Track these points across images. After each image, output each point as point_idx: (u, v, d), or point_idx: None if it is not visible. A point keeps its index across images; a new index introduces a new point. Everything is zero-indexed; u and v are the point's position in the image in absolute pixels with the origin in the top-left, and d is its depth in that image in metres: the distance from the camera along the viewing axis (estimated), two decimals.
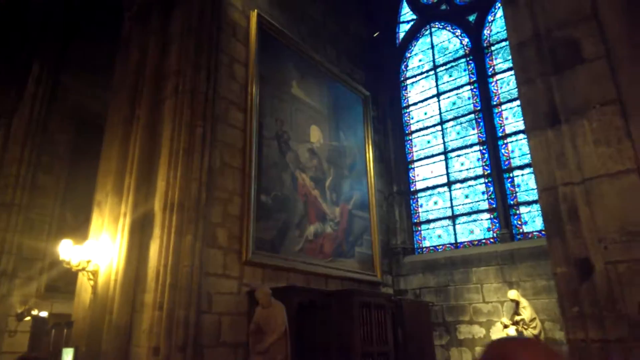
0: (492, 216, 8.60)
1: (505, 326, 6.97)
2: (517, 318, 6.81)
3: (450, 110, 9.86)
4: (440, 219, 9.36)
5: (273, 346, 4.80)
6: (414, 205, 9.85)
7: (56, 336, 9.56)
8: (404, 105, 10.67)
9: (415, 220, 9.72)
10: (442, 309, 8.48)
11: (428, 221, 9.54)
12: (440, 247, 9.15)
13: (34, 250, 9.30)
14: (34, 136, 9.60)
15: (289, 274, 6.76)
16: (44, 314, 8.97)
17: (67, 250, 5.25)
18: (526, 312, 6.75)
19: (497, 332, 7.60)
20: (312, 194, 7.66)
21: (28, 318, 8.98)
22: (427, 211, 9.62)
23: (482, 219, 8.77)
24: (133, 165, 5.62)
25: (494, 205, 8.57)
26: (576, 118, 2.67)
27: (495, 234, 8.44)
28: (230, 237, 6.04)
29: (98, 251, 5.36)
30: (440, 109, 10.03)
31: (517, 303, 6.94)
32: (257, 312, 5.05)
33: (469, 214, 8.97)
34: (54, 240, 8.54)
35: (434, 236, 9.38)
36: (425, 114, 10.27)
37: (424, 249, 9.40)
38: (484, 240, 8.58)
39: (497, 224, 8.43)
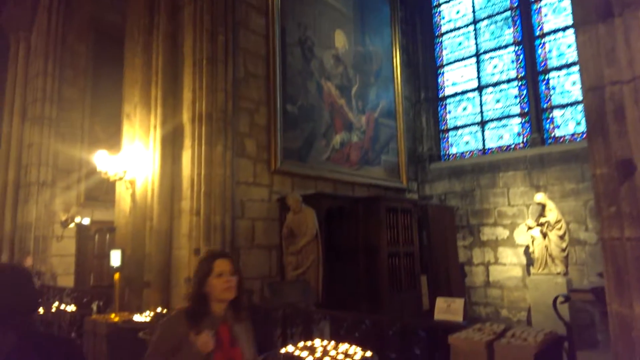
0: (523, 120, 8.38)
1: (529, 228, 7.11)
2: (542, 220, 6.91)
3: (485, 7, 9.19)
4: (468, 125, 9.19)
5: (305, 248, 5.07)
6: (441, 111, 9.63)
7: (100, 241, 10.30)
8: (435, 3, 9.98)
9: (442, 127, 9.57)
10: (467, 212, 8.65)
11: (456, 127, 9.38)
12: (468, 153, 9.08)
13: (70, 162, 9.65)
14: (55, 49, 9.50)
15: (317, 182, 6.92)
16: (86, 220, 9.57)
17: (103, 161, 5.43)
18: (552, 215, 6.82)
19: (521, 234, 7.79)
20: (337, 102, 7.54)
21: (72, 225, 9.62)
22: (456, 117, 9.41)
23: (512, 124, 8.56)
24: (157, 75, 5.56)
25: (526, 109, 8.31)
26: (631, 11, 2.45)
27: (525, 139, 8.29)
28: (258, 147, 6.12)
29: (133, 162, 5.53)
30: (473, 5, 9.35)
31: (543, 206, 6.99)
32: (289, 217, 5.26)
33: (499, 119, 8.75)
34: (87, 151, 8.84)
35: (461, 143, 9.28)
36: (458, 12, 9.62)
37: (451, 156, 9.36)
38: (512, 146, 8.46)
39: (528, 128, 8.23)
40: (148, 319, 4.18)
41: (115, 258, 4.83)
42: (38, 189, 9.01)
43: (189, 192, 5.21)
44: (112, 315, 4.72)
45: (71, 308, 5.13)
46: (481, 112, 9.00)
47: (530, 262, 7.36)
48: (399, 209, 6.52)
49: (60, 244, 9.69)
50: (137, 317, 4.27)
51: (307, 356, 2.45)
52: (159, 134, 5.36)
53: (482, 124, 8.97)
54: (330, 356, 2.47)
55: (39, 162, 9.16)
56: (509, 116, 8.62)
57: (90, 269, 9.79)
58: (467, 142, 9.19)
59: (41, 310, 4.97)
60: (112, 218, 10.30)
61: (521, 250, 7.85)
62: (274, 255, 6.04)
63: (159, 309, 4.54)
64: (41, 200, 9.09)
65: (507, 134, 8.61)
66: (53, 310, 5.07)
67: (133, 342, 4.59)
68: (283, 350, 2.61)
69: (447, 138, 9.50)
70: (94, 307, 6.89)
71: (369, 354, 2.54)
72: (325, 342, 2.67)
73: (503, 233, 8.20)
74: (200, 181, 5.12)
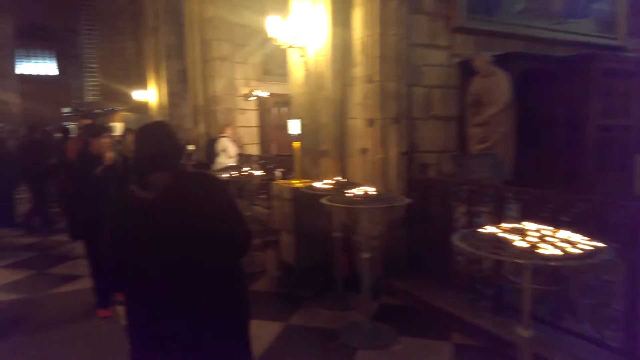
0: None
1: None
2: None
3: None
4: None
5: (494, 118, 4.38)
6: None
7: (278, 113, 10.92)
8: None
9: None
10: None
11: None
12: None
13: (244, 36, 9.98)
14: None
15: (506, 41, 5.80)
16: (265, 93, 10.11)
17: (274, 27, 5.28)
18: None
19: None
20: None
21: (253, 98, 10.28)
22: None
23: None
24: None
25: None
26: None
27: None
28: None
29: (303, 27, 5.26)
30: None
31: None
32: (475, 82, 4.54)
33: None
34: (261, 22, 8.91)
35: None
36: None
37: None
38: None
39: None
40: (329, 186, 4.21)
41: (294, 127, 4.89)
42: (220, 63, 9.65)
43: (361, 57, 4.81)
44: (295, 182, 4.93)
45: (259, 173, 5.56)
46: None
47: None
48: (617, 71, 5.15)
49: (244, 116, 10.55)
50: (318, 184, 4.33)
51: (517, 239, 2.03)
52: None
53: None
54: (548, 242, 2.01)
55: (218, 37, 9.66)
56: None
57: (271, 139, 10.60)
58: None
59: (235, 172, 5.46)
60: (287, 92, 10.73)
61: None
62: (452, 127, 5.46)
63: (338, 178, 4.54)
64: (224, 75, 9.78)
65: None
66: (244, 173, 5.54)
67: (314, 206, 4.80)
68: (484, 231, 2.23)
69: None
70: (278, 173, 7.46)
71: (599, 245, 2.01)
72: (537, 226, 2.20)
73: None
74: (373, 43, 4.63)
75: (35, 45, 24.73)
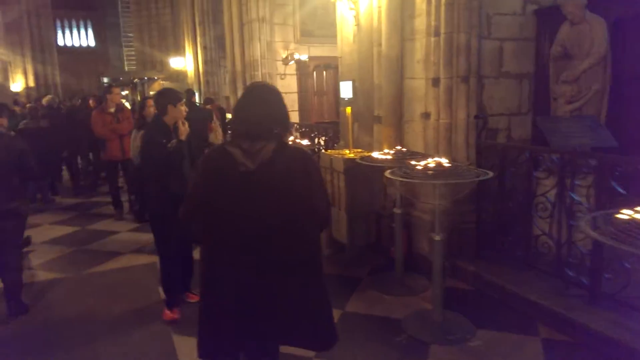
0: None
1: None
2: None
3: None
4: None
5: (587, 73, 3.67)
6: None
7: (318, 78, 10.32)
8: None
9: None
10: None
11: None
12: None
13: None
14: None
15: None
16: (304, 57, 9.50)
17: None
18: None
19: None
20: None
21: (292, 62, 9.70)
22: None
23: None
24: None
25: None
26: None
27: None
28: None
29: None
30: None
31: None
32: (563, 31, 3.81)
33: None
34: None
35: None
36: None
37: None
38: None
39: None
40: (389, 157, 3.67)
41: (346, 90, 4.33)
42: (259, 25, 9.07)
43: (424, 5, 4.15)
44: (346, 152, 4.42)
45: (305, 142, 5.05)
46: None
47: None
48: None
49: (284, 81, 10.01)
50: (376, 155, 3.80)
51: None
52: None
53: None
54: None
55: None
56: None
57: (312, 105, 10.04)
58: None
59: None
60: (328, 54, 10.07)
61: None
62: (525, 86, 4.76)
63: (398, 147, 3.99)
64: (263, 38, 9.21)
65: None
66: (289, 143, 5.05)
67: (368, 179, 4.29)
68: (623, 216, 1.66)
69: None
70: (321, 141, 6.95)
71: None
72: None
73: None
74: None
75: (72, 15, 24.77)
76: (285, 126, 1.91)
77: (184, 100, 3.49)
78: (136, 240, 5.42)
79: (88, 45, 25.75)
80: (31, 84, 16.79)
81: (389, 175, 3.01)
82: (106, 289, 4.14)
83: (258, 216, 1.73)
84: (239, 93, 9.74)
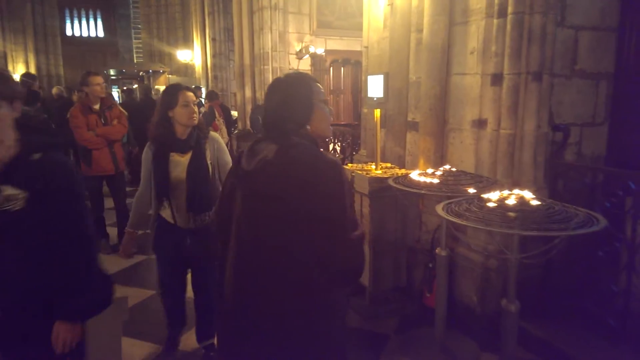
0: None
1: None
2: None
3: None
4: None
5: None
6: None
7: (335, 74, 9.32)
8: None
9: None
10: None
11: None
12: None
13: None
14: None
15: None
16: (320, 50, 8.51)
17: None
18: None
19: None
20: None
21: (306, 56, 8.71)
22: None
23: None
24: None
25: None
26: None
27: None
28: None
29: None
30: None
31: None
32: None
33: None
34: None
35: None
36: None
37: None
38: None
39: None
40: (434, 179, 2.64)
41: (375, 86, 3.30)
42: (270, 13, 8.08)
43: None
44: (372, 167, 3.41)
45: None
46: None
47: None
48: None
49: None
50: (415, 176, 2.77)
51: None
52: None
53: None
54: None
55: None
56: None
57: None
58: None
59: None
60: (347, 48, 9.08)
61: None
62: (602, 89, 3.70)
63: (446, 166, 2.95)
64: (274, 28, 8.23)
65: None
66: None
67: (403, 205, 3.27)
68: None
69: None
70: (337, 147, 5.94)
71: None
72: None
73: None
74: None
75: (82, 5, 24.06)
76: (299, 121, 1.42)
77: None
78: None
79: (97, 36, 25.03)
80: (32, 73, 16.03)
81: (445, 215, 1.99)
82: None
83: (247, 238, 1.37)
84: (247, 89, 8.78)
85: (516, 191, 2.08)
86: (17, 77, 15.53)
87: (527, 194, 2.05)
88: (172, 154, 2.44)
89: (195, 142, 2.47)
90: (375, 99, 3.31)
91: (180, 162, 2.43)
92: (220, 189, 1.76)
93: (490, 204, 1.96)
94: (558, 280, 3.07)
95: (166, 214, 2.51)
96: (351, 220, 1.35)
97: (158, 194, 2.46)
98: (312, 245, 1.28)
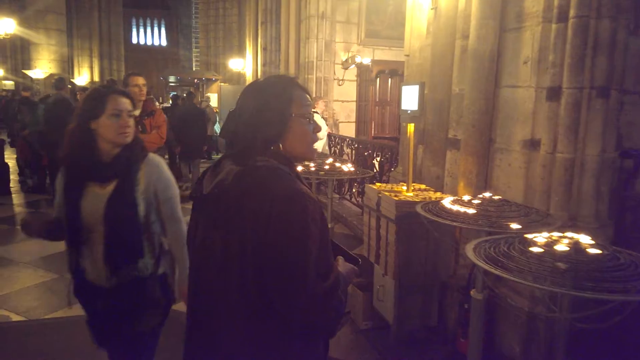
0: None
1: None
2: None
3: None
4: None
5: None
6: None
7: (382, 85, 8.94)
8: None
9: None
10: None
11: None
12: None
13: None
14: None
15: None
16: (367, 60, 8.18)
17: None
18: None
19: None
20: None
21: (352, 66, 8.42)
22: None
23: None
24: None
25: None
26: None
27: None
28: None
29: None
30: None
31: None
32: None
33: None
34: None
35: None
36: None
37: None
38: None
39: None
40: (471, 209, 2.23)
41: (409, 98, 2.93)
42: (317, 22, 7.88)
43: None
44: (403, 189, 3.02)
45: (349, 168, 3.68)
46: None
47: None
48: None
49: (341, 87, 8.77)
50: (451, 204, 2.37)
51: None
52: None
53: None
54: None
55: None
56: None
57: (371, 117, 8.68)
58: None
59: (312, 165, 3.68)
60: (395, 58, 8.69)
61: None
62: None
63: (486, 194, 2.52)
64: (321, 37, 8.02)
65: None
66: (326, 167, 3.72)
67: (435, 235, 2.85)
68: None
69: None
70: (375, 162, 5.59)
71: None
72: None
73: None
74: None
75: (147, 14, 25.21)
76: (267, 138, 1.18)
77: None
78: None
79: (160, 44, 26.12)
80: (96, 78, 16.85)
81: (476, 260, 1.59)
82: None
83: (199, 268, 1.22)
84: None
85: (569, 234, 1.64)
86: (80, 80, 16.37)
87: (584, 239, 1.61)
88: (88, 183, 1.75)
89: (124, 168, 1.77)
90: (409, 111, 2.93)
91: (98, 196, 1.74)
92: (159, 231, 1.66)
93: (535, 249, 1.55)
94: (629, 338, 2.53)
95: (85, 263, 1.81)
96: (323, 266, 1.12)
97: (68, 239, 1.79)
98: (265, 290, 1.09)
